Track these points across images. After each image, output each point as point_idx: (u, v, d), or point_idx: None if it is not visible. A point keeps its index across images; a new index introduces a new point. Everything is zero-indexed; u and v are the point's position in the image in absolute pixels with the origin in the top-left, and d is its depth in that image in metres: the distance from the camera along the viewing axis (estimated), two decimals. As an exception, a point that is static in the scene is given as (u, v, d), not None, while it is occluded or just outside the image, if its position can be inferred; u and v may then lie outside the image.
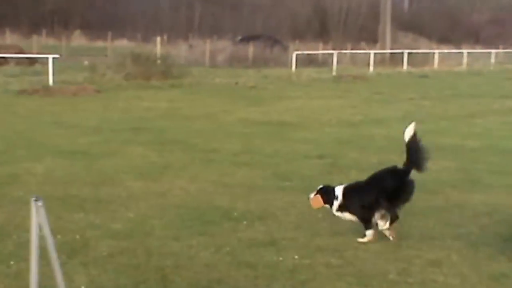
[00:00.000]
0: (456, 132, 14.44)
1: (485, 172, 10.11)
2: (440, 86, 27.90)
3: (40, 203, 3.79)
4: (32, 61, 31.81)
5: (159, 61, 27.95)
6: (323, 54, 42.99)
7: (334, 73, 33.07)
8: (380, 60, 41.27)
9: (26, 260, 4.26)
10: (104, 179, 9.09)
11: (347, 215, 6.60)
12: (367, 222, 6.50)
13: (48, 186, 8.59)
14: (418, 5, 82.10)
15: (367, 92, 24.47)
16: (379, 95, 23.39)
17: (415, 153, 6.54)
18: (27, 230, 4.05)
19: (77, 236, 6.47)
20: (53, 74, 23.31)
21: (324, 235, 6.68)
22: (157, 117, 16.16)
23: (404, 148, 6.62)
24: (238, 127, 14.67)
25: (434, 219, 7.38)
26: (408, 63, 40.02)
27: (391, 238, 6.51)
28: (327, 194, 6.62)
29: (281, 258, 5.98)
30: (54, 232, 3.99)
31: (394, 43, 47.94)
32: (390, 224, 6.46)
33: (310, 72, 33.01)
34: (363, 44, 52.04)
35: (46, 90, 21.67)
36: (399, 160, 6.69)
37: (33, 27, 50.93)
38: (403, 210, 7.28)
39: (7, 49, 33.68)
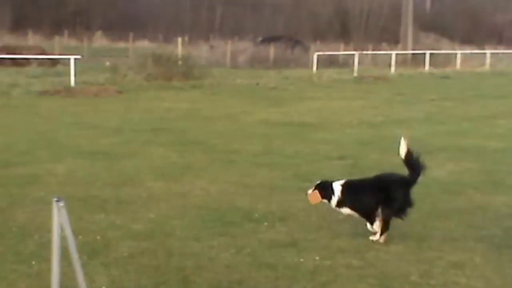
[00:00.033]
0: (478, 133, 14.31)
1: (508, 174, 10.01)
2: (462, 87, 27.72)
3: (61, 204, 3.80)
4: (54, 62, 32.01)
5: (180, 62, 28.02)
6: (344, 55, 42.90)
7: (355, 74, 32.96)
8: (402, 61, 41.06)
9: (48, 260, 4.26)
10: (125, 180, 9.11)
11: (346, 210, 6.64)
12: (369, 217, 6.53)
13: (69, 187, 8.63)
14: (440, 5, 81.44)
15: (388, 93, 24.35)
16: (401, 96, 23.27)
17: (416, 165, 6.52)
18: (49, 231, 4.07)
19: (98, 237, 6.48)
20: (75, 75, 23.45)
21: (345, 236, 6.65)
22: (178, 117, 16.19)
23: (402, 163, 6.62)
24: (258, 128, 14.66)
25: (456, 220, 7.32)
26: (430, 64, 39.78)
27: (374, 238, 6.51)
28: (325, 189, 6.63)
29: (302, 259, 5.96)
30: (75, 233, 4.00)
31: (416, 43, 47.71)
32: (381, 234, 6.47)
33: (331, 73, 32.93)
34: (384, 45, 51.86)
35: (68, 91, 21.80)
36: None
37: (55, 28, 51.25)
38: (425, 212, 7.23)
39: (29, 50, 33.98)
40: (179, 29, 54.17)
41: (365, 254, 6.14)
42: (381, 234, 6.45)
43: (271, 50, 42.27)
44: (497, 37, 68.81)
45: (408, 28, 46.68)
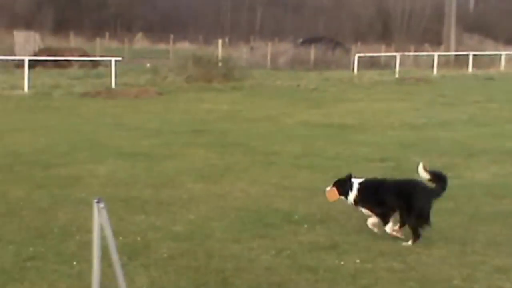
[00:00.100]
0: (523, 136, 14.07)
1: (554, 177, 9.82)
2: (507, 89, 27.29)
3: (102, 205, 3.82)
4: (95, 63, 32.42)
5: (220, 64, 28.13)
6: (386, 56, 42.62)
7: (396, 76, 32.69)
8: (445, 62, 40.65)
9: (88, 260, 4.29)
10: (165, 181, 9.14)
11: (362, 209, 6.67)
12: (384, 218, 6.50)
13: (110, 188, 8.68)
14: (484, 5, 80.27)
15: (430, 94, 24.08)
16: (443, 97, 22.99)
17: (442, 178, 6.50)
18: (90, 231, 4.08)
19: (138, 238, 6.51)
20: (116, 77, 23.68)
21: (386, 239, 6.56)
22: (218, 119, 16.21)
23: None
24: (299, 130, 14.61)
25: (500, 224, 7.18)
26: (474, 65, 39.25)
27: (376, 230, 6.56)
28: (342, 185, 6.66)
29: (342, 262, 5.90)
30: (115, 234, 4.01)
31: (459, 45, 47.17)
32: (413, 242, 6.41)
33: (372, 74, 32.73)
34: (426, 46, 51.32)
35: (109, 92, 22.01)
36: (463, 163, 6.53)
37: (97, 30, 51.82)
38: (468, 215, 7.11)
39: (71, 52, 34.43)
40: (220, 31, 54.50)
41: (407, 257, 6.06)
42: (413, 242, 6.39)
43: (312, 52, 42.22)
44: (545, 38, 67.59)
45: (451, 29, 46.20)
